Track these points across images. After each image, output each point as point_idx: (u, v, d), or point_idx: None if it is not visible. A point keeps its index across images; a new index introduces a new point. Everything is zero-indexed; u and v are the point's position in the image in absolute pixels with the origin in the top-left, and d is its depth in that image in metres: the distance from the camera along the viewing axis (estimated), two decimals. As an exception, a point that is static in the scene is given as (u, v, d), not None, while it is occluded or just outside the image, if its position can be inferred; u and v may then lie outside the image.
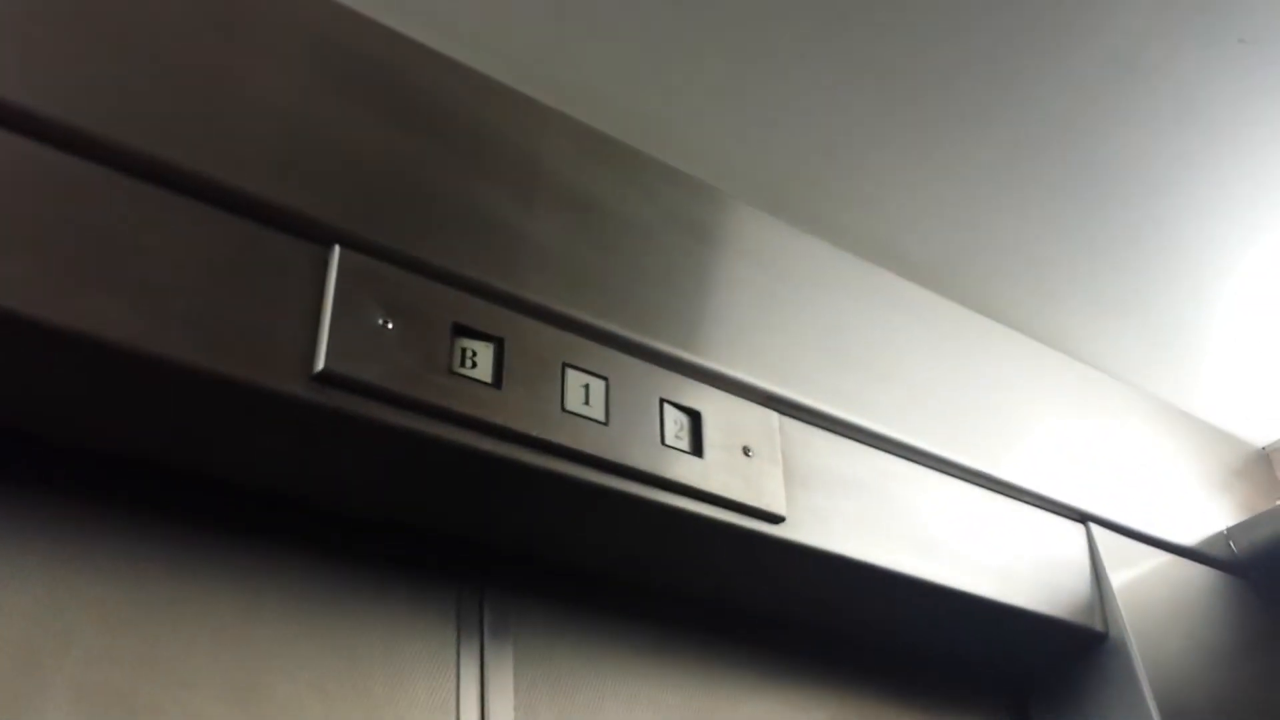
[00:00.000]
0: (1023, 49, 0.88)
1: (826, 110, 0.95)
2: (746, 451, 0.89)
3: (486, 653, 0.80)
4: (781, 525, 0.87)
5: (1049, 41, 0.87)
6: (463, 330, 0.77)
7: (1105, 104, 0.95)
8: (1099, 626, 1.07)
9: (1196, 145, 1.01)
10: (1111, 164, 1.02)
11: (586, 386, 0.82)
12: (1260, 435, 1.43)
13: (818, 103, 0.94)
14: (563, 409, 0.79)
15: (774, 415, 0.93)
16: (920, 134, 0.97)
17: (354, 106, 0.80)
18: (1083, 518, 1.15)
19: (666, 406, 0.86)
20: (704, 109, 0.93)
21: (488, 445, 0.74)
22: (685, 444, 0.85)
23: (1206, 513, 1.29)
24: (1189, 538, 1.24)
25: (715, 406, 0.89)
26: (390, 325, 0.73)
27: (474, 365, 0.76)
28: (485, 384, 0.75)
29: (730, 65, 0.89)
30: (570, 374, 0.81)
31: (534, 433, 0.76)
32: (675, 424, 0.86)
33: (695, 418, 0.87)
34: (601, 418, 0.81)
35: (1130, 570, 1.14)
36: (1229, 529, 1.28)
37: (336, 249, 0.73)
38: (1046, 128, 0.97)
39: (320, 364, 0.68)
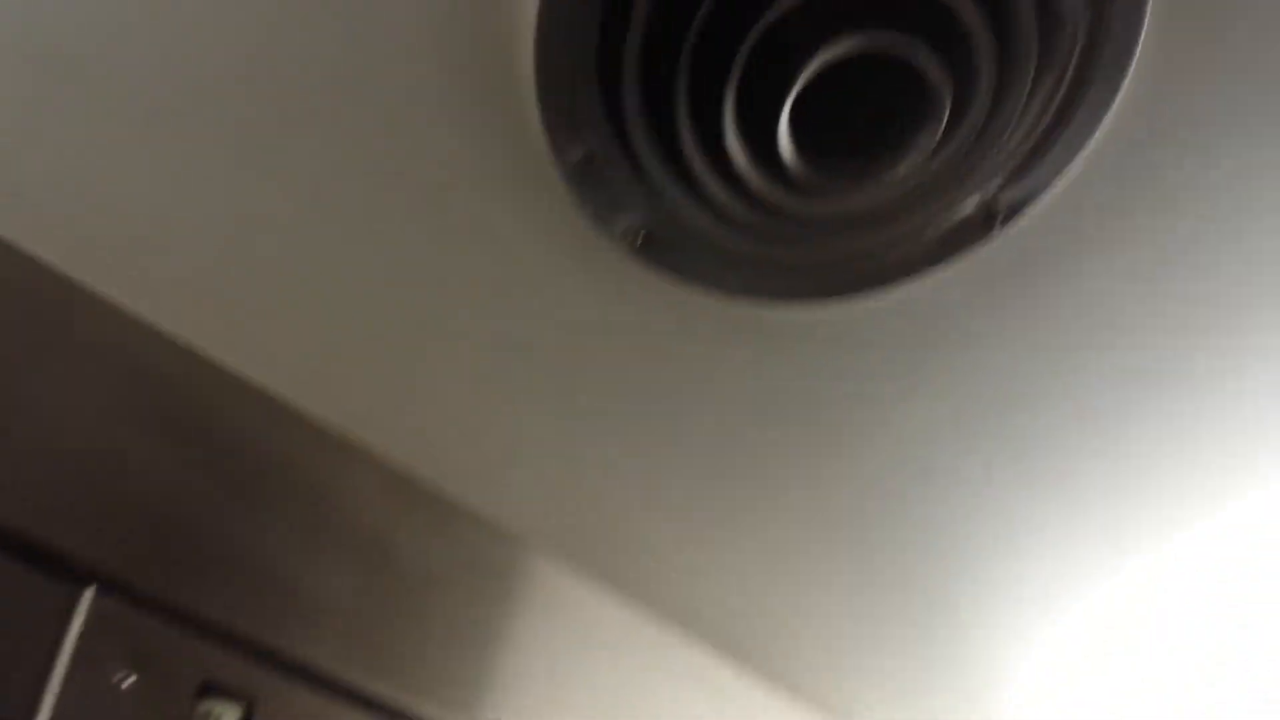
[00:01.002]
0: (819, 441, 0.92)
1: (639, 472, 0.96)
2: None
3: None
4: None
5: (844, 438, 0.91)
6: (210, 689, 0.72)
7: (896, 499, 1.00)
8: None
9: (984, 543, 1.06)
10: (902, 549, 1.06)
11: (340, 759, 0.76)
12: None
13: (629, 464, 0.96)
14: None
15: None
16: (722, 509, 1.00)
17: (128, 429, 0.77)
18: None
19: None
20: (514, 456, 0.93)
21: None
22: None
23: None
24: None
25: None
26: (128, 683, 0.67)
27: (211, 738, 0.70)
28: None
29: (543, 418, 0.90)
30: (325, 742, 0.76)
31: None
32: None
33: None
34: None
35: None
36: None
37: (85, 593, 0.68)
38: (839, 515, 1.01)
39: (29, 738, 0.62)
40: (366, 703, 0.80)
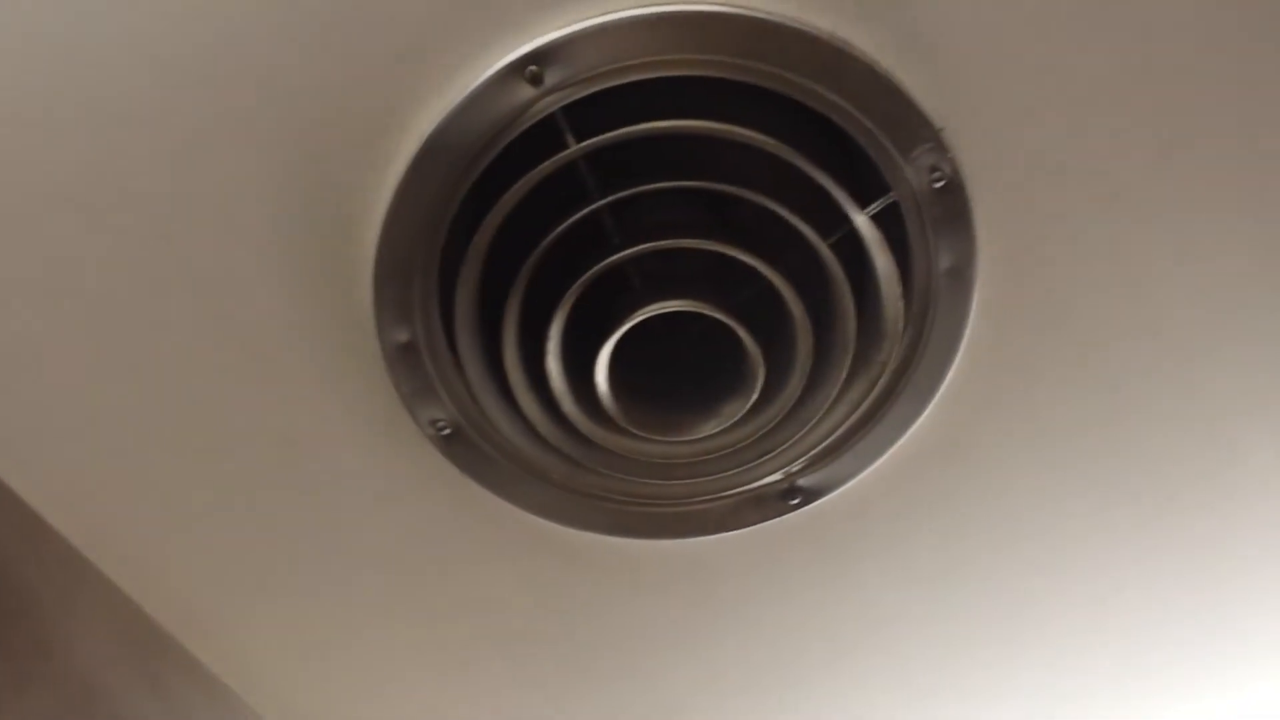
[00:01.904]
0: (584, 669, 0.88)
1: (388, 658, 0.90)
2: None
3: None
4: None
5: (607, 673, 0.88)
6: None
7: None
8: None
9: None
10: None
11: None
12: None
13: (386, 651, 0.90)
14: None
15: None
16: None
17: None
18: None
19: None
20: (262, 617, 0.86)
21: None
22: None
23: None
24: None
25: None
26: None
27: None
28: None
29: (304, 584, 0.85)
30: None
31: None
32: None
33: None
34: None
35: None
36: None
37: None
38: None
39: None
40: None
